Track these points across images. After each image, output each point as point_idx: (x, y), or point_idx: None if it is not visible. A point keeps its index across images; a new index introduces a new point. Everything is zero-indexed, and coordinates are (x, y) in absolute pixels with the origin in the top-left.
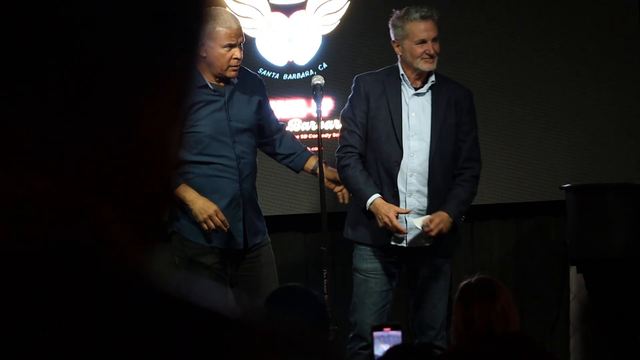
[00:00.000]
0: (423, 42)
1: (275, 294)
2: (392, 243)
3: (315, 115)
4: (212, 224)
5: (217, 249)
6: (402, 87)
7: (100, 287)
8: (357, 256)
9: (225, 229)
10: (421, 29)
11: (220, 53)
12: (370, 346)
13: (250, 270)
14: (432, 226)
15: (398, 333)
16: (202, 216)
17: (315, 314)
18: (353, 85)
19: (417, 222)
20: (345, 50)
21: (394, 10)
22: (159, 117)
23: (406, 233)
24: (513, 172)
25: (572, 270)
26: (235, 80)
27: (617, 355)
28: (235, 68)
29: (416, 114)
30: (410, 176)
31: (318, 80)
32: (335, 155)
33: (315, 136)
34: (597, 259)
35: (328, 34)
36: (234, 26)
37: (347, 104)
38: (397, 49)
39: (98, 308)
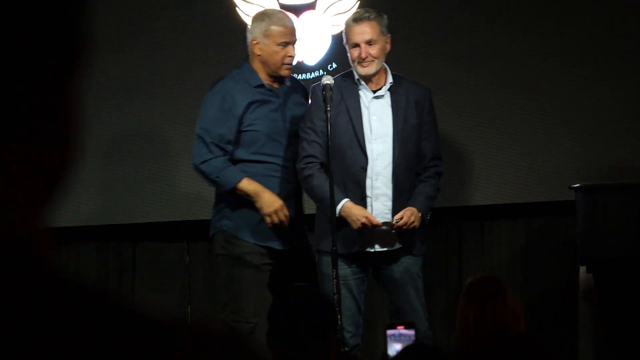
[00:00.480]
0: (356, 45)
1: (282, 294)
2: (360, 249)
3: None
4: (276, 218)
5: (264, 249)
6: (360, 92)
7: (22, 287)
8: (325, 263)
9: (287, 224)
10: (353, 32)
11: (275, 50)
12: (351, 351)
13: (295, 271)
14: (405, 219)
15: (411, 332)
16: (268, 209)
17: (322, 313)
18: (310, 95)
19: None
20: None
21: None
22: (70, 98)
23: (381, 225)
24: (522, 172)
25: (582, 270)
26: (289, 82)
27: (627, 356)
28: (289, 66)
29: (377, 117)
30: (376, 180)
31: (327, 80)
32: (296, 166)
33: None
34: (607, 259)
35: (338, 34)
36: (289, 24)
37: (304, 116)
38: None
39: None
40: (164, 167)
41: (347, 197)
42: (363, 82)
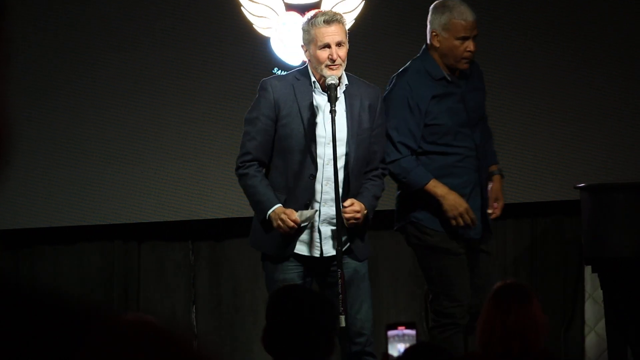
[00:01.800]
0: (327, 46)
1: (278, 294)
2: (301, 253)
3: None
4: (461, 221)
5: (460, 237)
6: (315, 94)
7: None
8: (269, 267)
9: (474, 225)
10: (325, 33)
11: (455, 45)
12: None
13: (484, 261)
14: (355, 207)
15: (413, 332)
16: (453, 212)
17: (320, 313)
18: (259, 88)
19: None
20: (360, 50)
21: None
22: None
23: (299, 224)
24: (527, 171)
25: (587, 269)
26: (468, 72)
27: (633, 355)
28: (467, 60)
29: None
30: (326, 185)
31: (332, 80)
32: (236, 162)
33: None
34: (612, 259)
35: None
36: (470, 19)
37: (250, 109)
38: (305, 54)
39: None
40: (168, 167)
41: (290, 200)
42: (318, 85)
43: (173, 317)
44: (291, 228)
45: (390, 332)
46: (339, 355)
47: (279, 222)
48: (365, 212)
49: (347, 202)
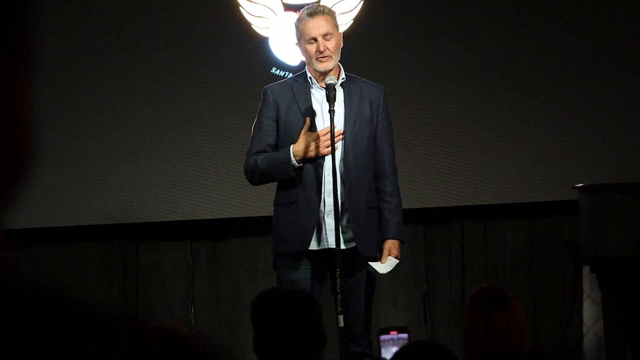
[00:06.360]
0: (314, 39)
1: (264, 296)
2: (314, 248)
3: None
4: None
5: None
6: (312, 89)
7: None
8: (280, 265)
9: None
10: (309, 26)
11: None
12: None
13: None
14: (395, 254)
15: (405, 335)
16: None
17: (308, 313)
18: (262, 94)
19: (378, 267)
20: (358, 50)
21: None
22: (7, 85)
23: (343, 133)
24: (526, 171)
25: (585, 269)
26: None
27: (631, 355)
28: None
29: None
30: (328, 175)
31: (331, 80)
32: (243, 166)
33: None
34: (611, 259)
35: (341, 33)
36: None
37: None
38: (301, 52)
39: None
40: (167, 167)
41: (302, 193)
42: (315, 81)
43: (171, 316)
44: (325, 136)
45: (383, 337)
46: (338, 355)
47: (311, 143)
48: (399, 242)
49: (391, 257)
